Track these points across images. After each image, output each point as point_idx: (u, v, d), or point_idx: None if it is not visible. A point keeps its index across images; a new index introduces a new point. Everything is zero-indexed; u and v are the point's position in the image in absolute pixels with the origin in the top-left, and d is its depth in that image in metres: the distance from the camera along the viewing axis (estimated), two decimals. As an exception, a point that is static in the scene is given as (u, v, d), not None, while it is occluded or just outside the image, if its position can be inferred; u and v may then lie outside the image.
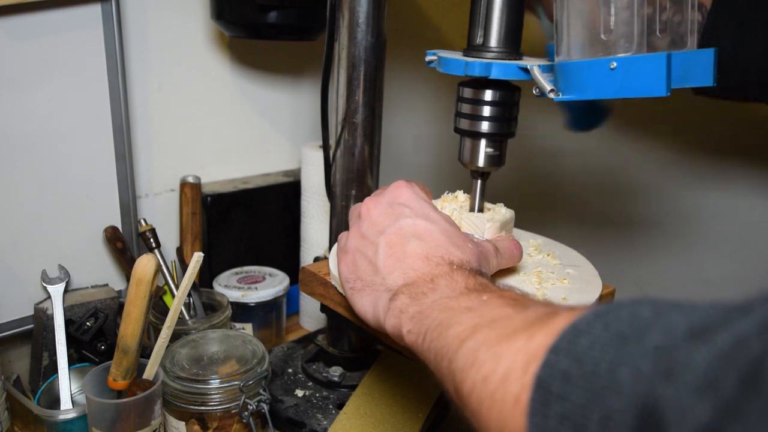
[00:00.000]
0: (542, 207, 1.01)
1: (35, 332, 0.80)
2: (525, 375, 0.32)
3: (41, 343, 0.78)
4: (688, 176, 0.86)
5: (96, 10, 0.79)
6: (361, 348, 0.83)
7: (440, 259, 0.48)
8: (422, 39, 0.92)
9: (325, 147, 0.78)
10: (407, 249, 0.49)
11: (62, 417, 0.69)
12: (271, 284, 0.93)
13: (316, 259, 0.84)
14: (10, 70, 0.75)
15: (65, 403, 0.73)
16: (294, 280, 0.94)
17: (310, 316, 1.01)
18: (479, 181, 0.64)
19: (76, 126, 0.81)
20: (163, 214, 0.96)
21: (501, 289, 0.44)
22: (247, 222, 1.00)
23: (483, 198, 0.65)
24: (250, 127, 1.05)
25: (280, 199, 1.03)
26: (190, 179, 0.94)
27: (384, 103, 0.76)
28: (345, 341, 0.82)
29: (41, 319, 0.78)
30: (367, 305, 0.50)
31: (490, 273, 0.54)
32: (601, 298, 0.60)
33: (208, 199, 0.95)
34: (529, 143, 0.99)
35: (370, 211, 0.54)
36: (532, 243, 0.69)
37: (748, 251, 0.83)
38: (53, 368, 0.75)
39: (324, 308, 0.67)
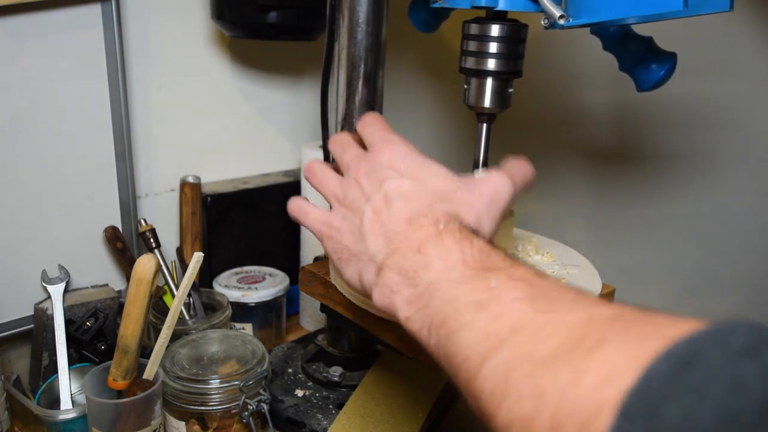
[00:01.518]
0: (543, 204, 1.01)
1: (35, 332, 0.80)
2: None
3: (41, 343, 0.78)
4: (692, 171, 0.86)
5: (96, 10, 0.79)
6: (361, 348, 0.83)
7: (425, 219, 0.43)
8: (422, 39, 0.93)
9: (325, 147, 0.78)
10: (391, 213, 0.45)
11: (62, 417, 0.69)
12: (271, 284, 0.93)
13: (316, 259, 0.84)
14: (10, 70, 0.75)
15: (65, 403, 0.73)
16: (294, 280, 0.94)
17: (310, 316, 1.01)
18: (485, 125, 0.63)
19: (76, 126, 0.81)
20: (163, 214, 0.96)
21: (507, 263, 0.39)
22: (247, 222, 1.00)
23: (488, 145, 0.64)
24: (250, 127, 1.05)
25: (280, 199, 1.02)
26: (190, 179, 0.94)
27: (384, 103, 0.76)
28: (345, 341, 0.82)
29: (41, 319, 0.78)
30: (353, 275, 0.47)
31: (497, 218, 0.46)
32: (600, 297, 0.60)
33: (208, 199, 0.95)
34: (528, 142, 0.99)
35: (359, 179, 0.49)
36: (531, 242, 0.69)
37: (746, 246, 0.83)
38: (53, 368, 0.75)
39: (324, 308, 0.67)
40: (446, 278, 0.38)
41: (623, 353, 0.26)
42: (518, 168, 0.48)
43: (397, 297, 0.41)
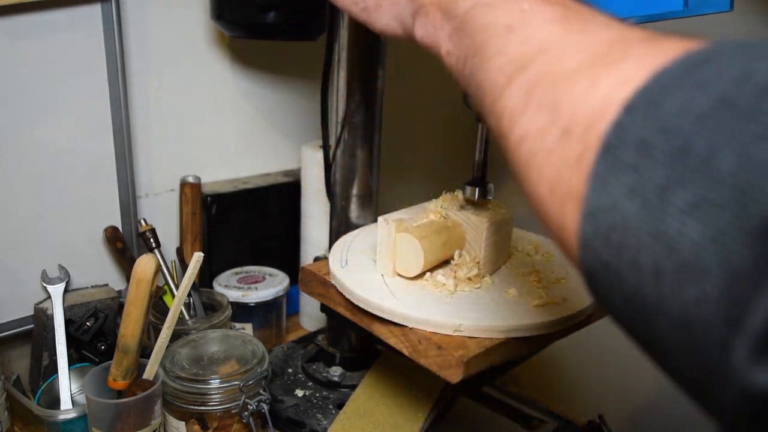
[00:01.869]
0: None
1: (35, 332, 0.80)
2: (589, 133, 0.26)
3: (41, 343, 0.78)
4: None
5: (96, 10, 0.79)
6: (361, 348, 0.83)
7: None
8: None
9: (325, 147, 0.78)
10: None
11: (62, 417, 0.69)
12: (271, 284, 0.93)
13: (316, 259, 0.84)
14: (10, 70, 0.75)
15: (65, 403, 0.73)
16: (294, 280, 0.94)
17: (310, 316, 1.01)
18: (485, 125, 0.63)
19: (76, 126, 0.81)
20: (163, 214, 0.96)
21: None
22: (247, 222, 1.00)
23: (488, 146, 0.64)
24: (250, 127, 1.05)
25: (280, 199, 1.03)
26: (190, 179, 0.94)
27: (384, 103, 0.76)
28: (345, 341, 0.82)
29: (41, 319, 0.78)
30: (389, 21, 0.45)
31: None
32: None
33: (208, 199, 0.96)
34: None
35: None
36: (531, 242, 0.69)
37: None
38: (53, 368, 0.75)
39: (324, 308, 0.68)
40: (481, 4, 0.37)
41: (643, 63, 0.26)
42: None
43: (440, 33, 0.41)
